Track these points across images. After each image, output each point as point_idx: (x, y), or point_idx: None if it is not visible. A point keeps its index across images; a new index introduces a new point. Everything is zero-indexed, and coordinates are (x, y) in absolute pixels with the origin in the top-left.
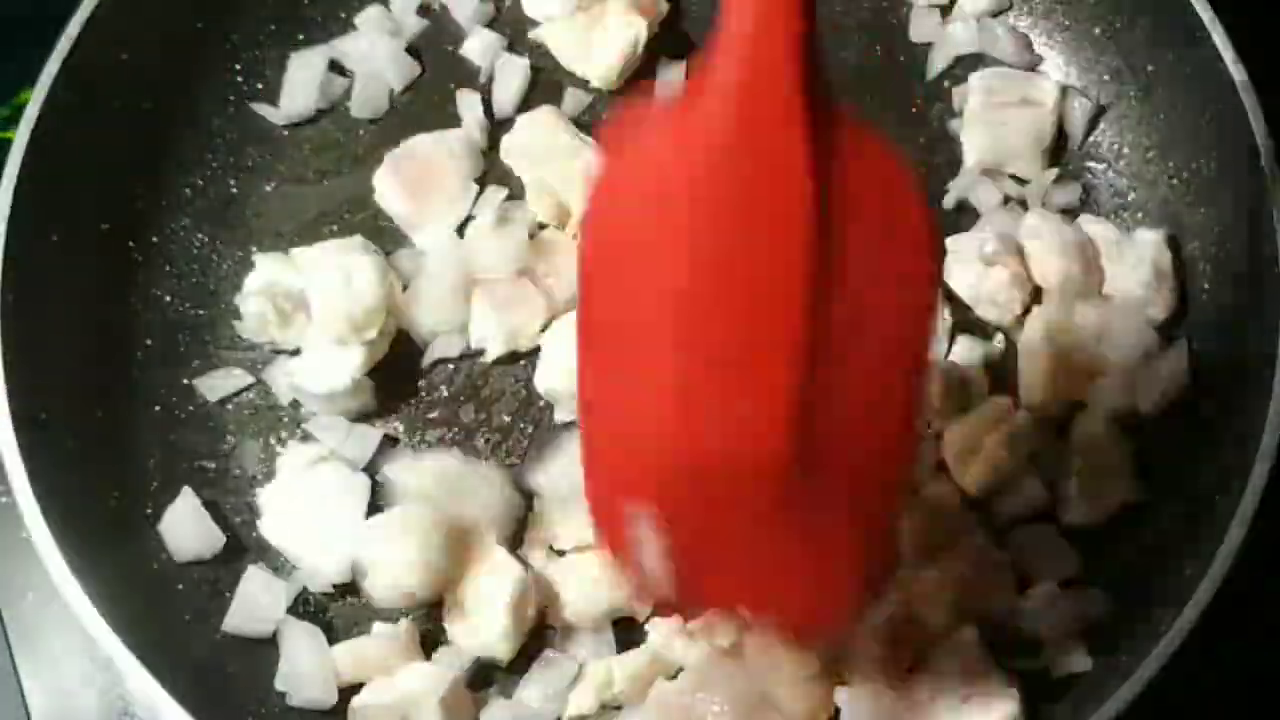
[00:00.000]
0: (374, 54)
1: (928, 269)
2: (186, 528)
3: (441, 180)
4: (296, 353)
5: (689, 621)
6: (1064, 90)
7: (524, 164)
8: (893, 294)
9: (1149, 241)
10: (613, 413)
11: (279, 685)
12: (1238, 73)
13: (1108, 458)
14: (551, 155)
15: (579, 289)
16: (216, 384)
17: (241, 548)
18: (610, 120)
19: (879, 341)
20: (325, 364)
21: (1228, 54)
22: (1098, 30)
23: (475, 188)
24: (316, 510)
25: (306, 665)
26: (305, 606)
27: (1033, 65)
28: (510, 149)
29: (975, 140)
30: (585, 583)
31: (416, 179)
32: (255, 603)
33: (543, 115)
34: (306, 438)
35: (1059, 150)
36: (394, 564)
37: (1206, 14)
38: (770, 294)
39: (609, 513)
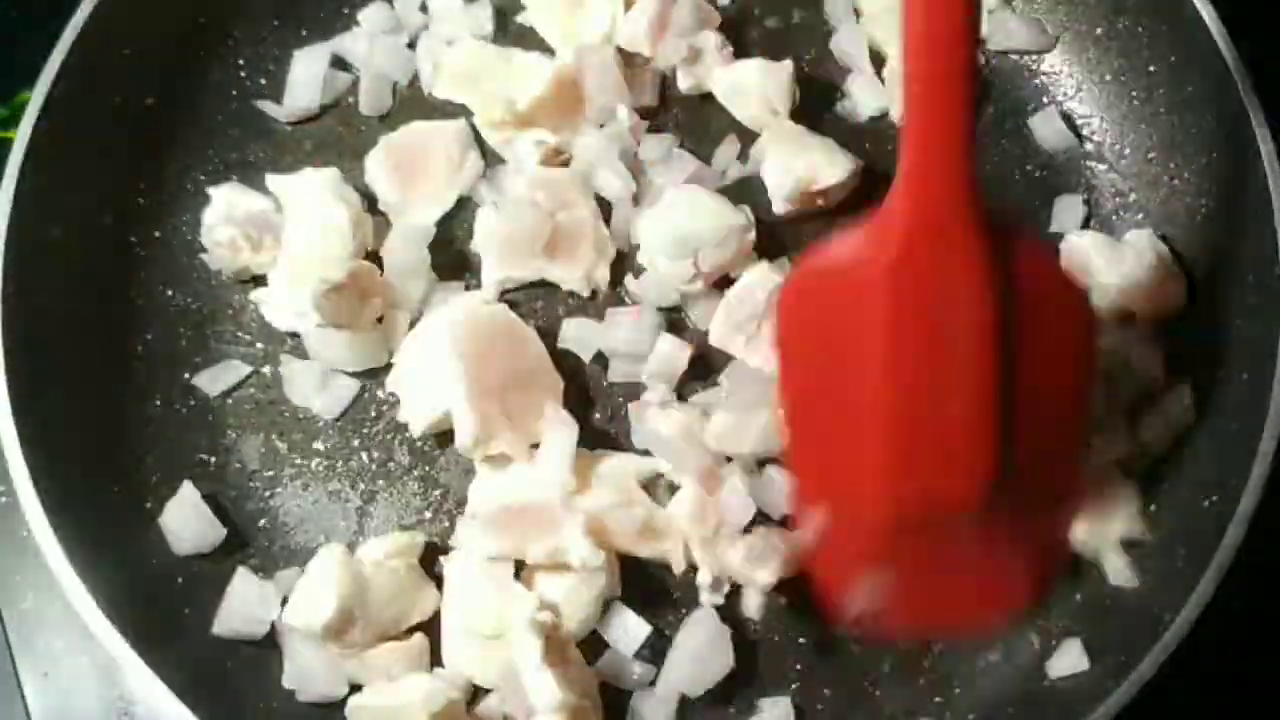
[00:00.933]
0: (376, 51)
1: (1087, 340)
2: (187, 521)
3: (431, 170)
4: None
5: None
6: None
7: (463, 89)
8: (1060, 360)
9: (1147, 242)
10: (829, 478)
11: (286, 684)
12: (1240, 74)
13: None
14: (487, 72)
15: (780, 393)
16: (216, 378)
17: (242, 542)
18: (802, 258)
19: (1046, 400)
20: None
21: (1230, 56)
22: (1099, 31)
23: (464, 182)
24: None
25: (312, 662)
26: None
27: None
28: (448, 81)
29: None
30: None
31: (407, 165)
32: (244, 605)
33: (469, 42)
34: None
35: None
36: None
37: (1210, 16)
38: (963, 379)
39: (832, 563)
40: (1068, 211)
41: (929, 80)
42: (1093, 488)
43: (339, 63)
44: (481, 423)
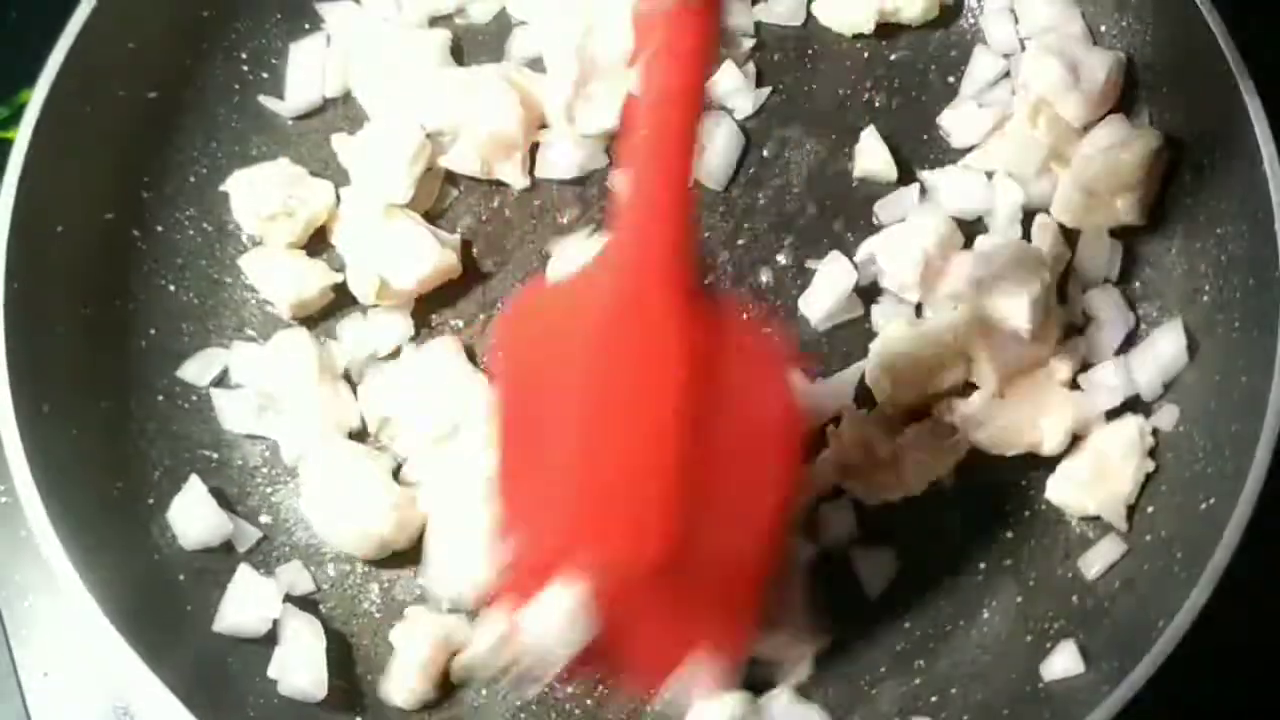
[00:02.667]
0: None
1: (791, 442)
2: (195, 515)
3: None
4: None
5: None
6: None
7: None
8: (760, 452)
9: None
10: (525, 511)
11: (271, 673)
12: (1240, 73)
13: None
14: None
15: (496, 412)
16: (203, 369)
17: (244, 539)
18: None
19: (744, 482)
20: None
21: (1231, 55)
22: (1102, 29)
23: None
24: None
25: (301, 656)
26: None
27: None
28: None
29: None
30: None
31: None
32: (246, 602)
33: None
34: None
35: None
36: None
37: (1211, 16)
38: (649, 444)
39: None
40: None
41: (659, 144)
42: (1100, 457)
43: None
44: None
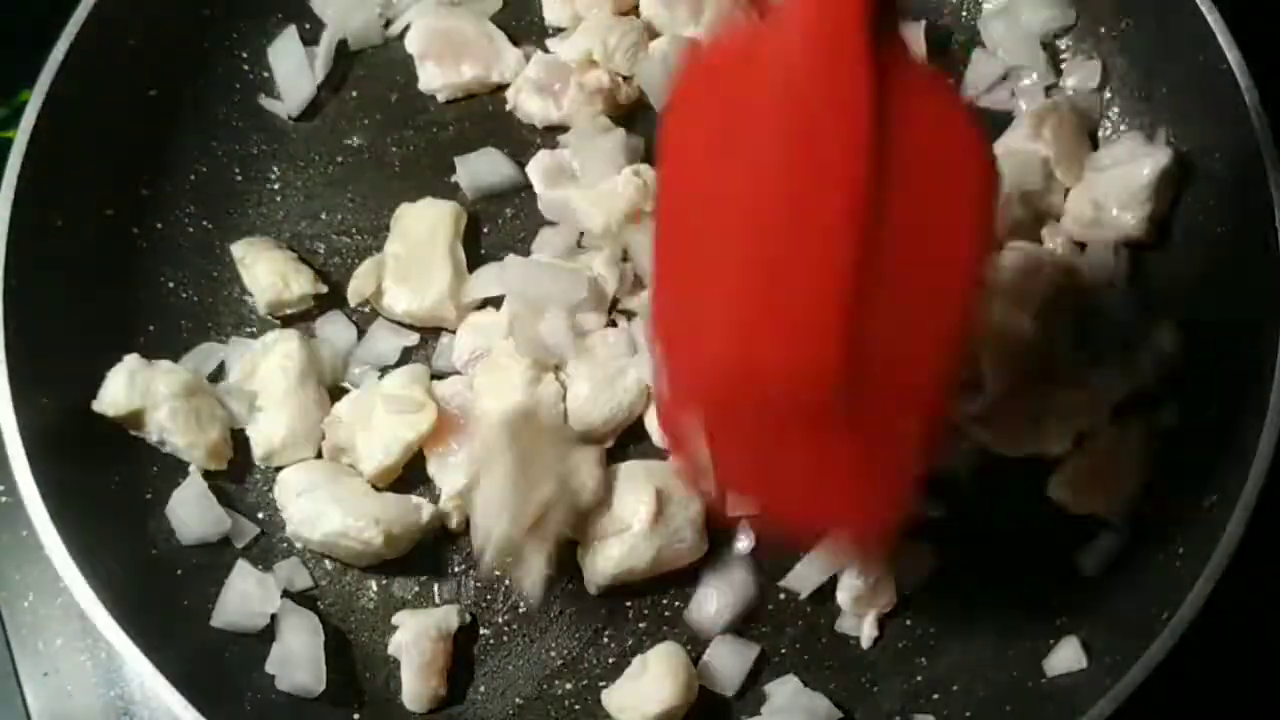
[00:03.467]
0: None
1: (982, 209)
2: (193, 511)
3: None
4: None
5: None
6: None
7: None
8: (945, 229)
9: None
10: (681, 321)
11: (269, 668)
12: (1240, 72)
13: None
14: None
15: (657, 202)
16: (201, 364)
17: (241, 534)
18: (687, 53)
19: (928, 273)
20: None
21: (1231, 54)
22: (1103, 30)
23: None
24: None
25: (299, 651)
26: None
27: None
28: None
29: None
30: None
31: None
32: (243, 597)
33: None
34: None
35: None
36: None
37: (1212, 15)
38: (825, 217)
39: (676, 417)
40: None
41: None
42: (1103, 457)
43: (341, 53)
44: None
